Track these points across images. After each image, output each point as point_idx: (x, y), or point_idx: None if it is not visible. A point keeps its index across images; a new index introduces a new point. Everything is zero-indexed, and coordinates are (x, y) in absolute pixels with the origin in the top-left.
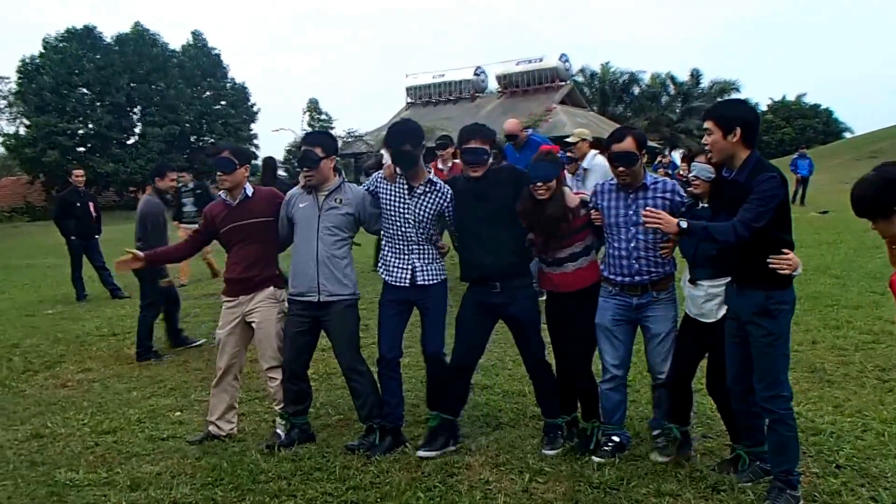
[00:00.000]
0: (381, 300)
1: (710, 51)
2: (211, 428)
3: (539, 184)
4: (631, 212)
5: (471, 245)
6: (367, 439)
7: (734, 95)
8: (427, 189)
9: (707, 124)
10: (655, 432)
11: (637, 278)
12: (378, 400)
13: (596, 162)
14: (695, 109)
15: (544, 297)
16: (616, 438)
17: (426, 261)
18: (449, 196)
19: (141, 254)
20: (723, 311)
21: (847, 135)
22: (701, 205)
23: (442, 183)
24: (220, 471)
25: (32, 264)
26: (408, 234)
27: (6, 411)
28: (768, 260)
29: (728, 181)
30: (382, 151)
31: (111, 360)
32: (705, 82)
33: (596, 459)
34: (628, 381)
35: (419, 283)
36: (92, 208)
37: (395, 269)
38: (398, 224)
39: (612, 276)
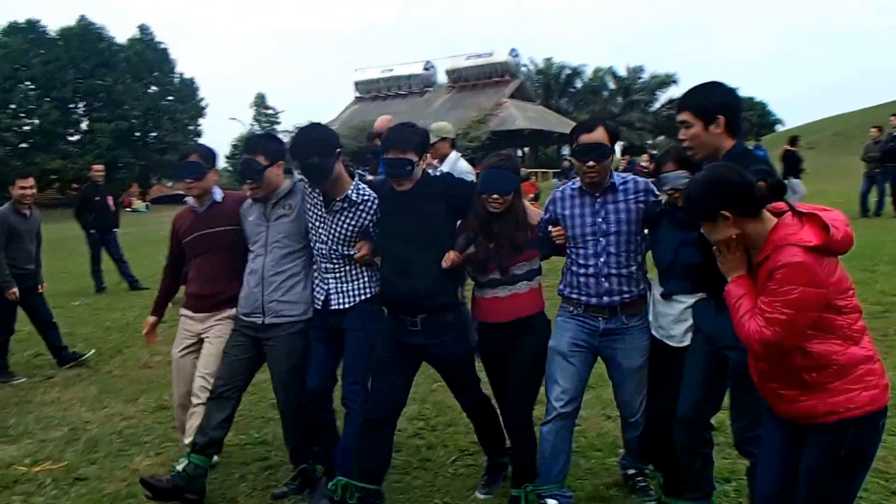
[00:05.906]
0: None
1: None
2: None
3: (495, 196)
4: (600, 219)
5: (385, 267)
6: (293, 484)
7: (673, 88)
8: (346, 205)
9: (683, 116)
10: (630, 471)
11: (606, 299)
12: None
13: (460, 168)
14: (635, 103)
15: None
16: (552, 502)
17: (342, 281)
18: (373, 211)
19: (153, 318)
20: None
21: (779, 127)
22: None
23: (368, 195)
24: None
25: None
26: (322, 252)
27: (112, 388)
28: None
29: None
30: None
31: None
32: (645, 76)
33: None
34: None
35: (332, 307)
36: (110, 202)
37: (316, 289)
38: (313, 240)
39: (573, 296)
